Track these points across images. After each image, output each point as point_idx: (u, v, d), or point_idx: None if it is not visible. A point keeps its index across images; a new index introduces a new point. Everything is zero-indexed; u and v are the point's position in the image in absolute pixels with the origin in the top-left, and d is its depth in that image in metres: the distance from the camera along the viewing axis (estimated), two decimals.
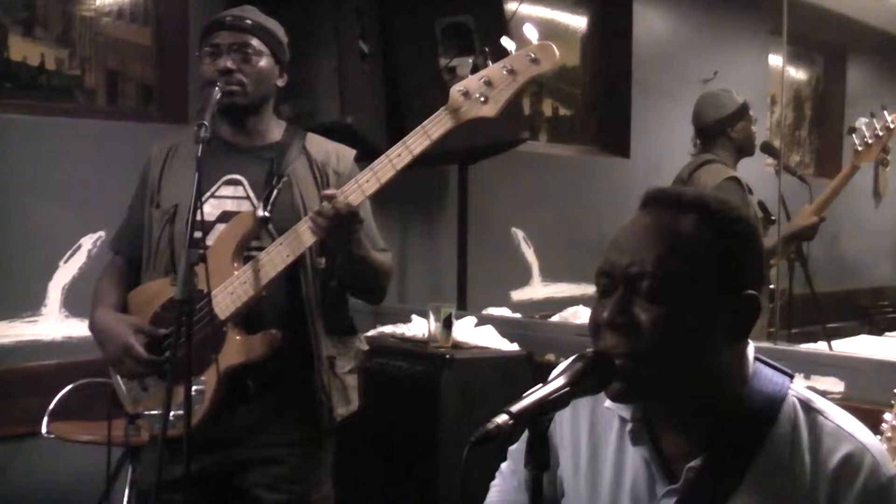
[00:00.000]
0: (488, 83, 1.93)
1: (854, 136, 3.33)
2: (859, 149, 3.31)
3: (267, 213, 2.05)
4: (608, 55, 5.12)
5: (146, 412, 2.06)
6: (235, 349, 2.03)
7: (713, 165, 3.48)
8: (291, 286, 2.09)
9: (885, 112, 3.31)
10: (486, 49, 2.01)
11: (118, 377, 2.16)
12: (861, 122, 3.32)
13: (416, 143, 1.96)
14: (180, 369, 1.86)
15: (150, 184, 2.19)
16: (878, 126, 3.29)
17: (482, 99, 1.93)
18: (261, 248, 2.05)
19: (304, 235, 2.00)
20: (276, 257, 2.01)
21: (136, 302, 2.16)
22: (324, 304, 2.12)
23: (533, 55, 1.93)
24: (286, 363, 2.07)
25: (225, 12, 2.16)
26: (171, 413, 1.88)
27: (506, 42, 1.97)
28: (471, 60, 2.00)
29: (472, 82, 1.95)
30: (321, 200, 1.99)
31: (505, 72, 1.93)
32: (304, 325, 2.08)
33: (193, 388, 2.01)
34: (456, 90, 1.95)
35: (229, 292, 2.02)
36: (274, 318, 2.07)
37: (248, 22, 2.13)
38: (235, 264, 2.04)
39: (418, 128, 1.96)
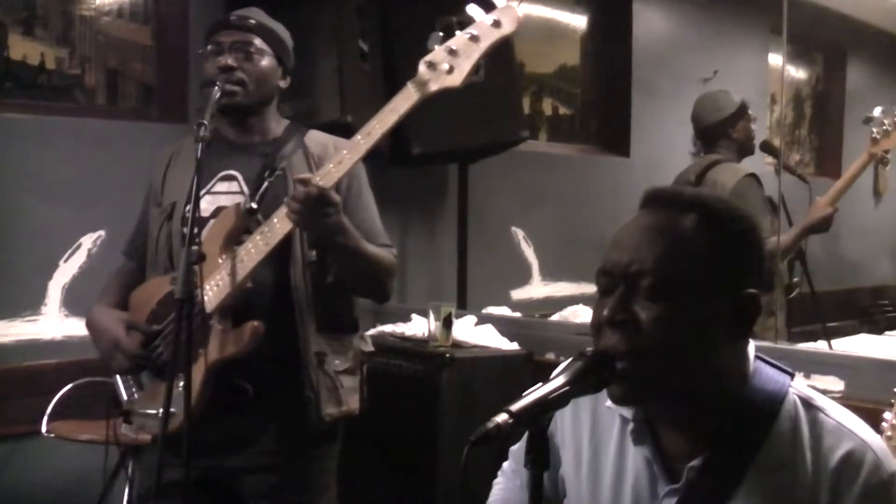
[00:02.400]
0: (452, 52, 1.90)
1: (871, 125, 3.33)
2: (877, 137, 3.31)
3: (254, 205, 2.02)
4: (608, 55, 5.12)
5: (139, 410, 2.04)
6: (220, 343, 1.99)
7: (727, 164, 3.48)
8: (280, 279, 2.05)
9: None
10: (454, 20, 1.98)
11: (117, 376, 2.15)
12: (878, 111, 3.32)
13: (385, 119, 1.93)
14: (172, 365, 1.84)
15: (153, 185, 2.20)
16: (886, 122, 3.30)
17: (447, 68, 1.90)
18: None
19: (281, 222, 1.96)
20: (257, 245, 1.98)
21: (137, 301, 2.16)
22: (315, 298, 2.07)
23: (495, 18, 1.91)
24: (274, 359, 2.03)
25: (231, 13, 2.17)
26: (159, 411, 1.85)
27: (472, 10, 1.94)
28: (441, 34, 1.96)
29: (439, 53, 1.92)
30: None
31: (468, 38, 1.91)
32: (292, 319, 2.04)
33: (181, 384, 2.00)
34: (423, 62, 1.93)
35: (214, 284, 1.99)
36: (262, 311, 2.01)
37: (252, 22, 2.14)
38: (223, 257, 2.01)
39: (386, 105, 1.94)
